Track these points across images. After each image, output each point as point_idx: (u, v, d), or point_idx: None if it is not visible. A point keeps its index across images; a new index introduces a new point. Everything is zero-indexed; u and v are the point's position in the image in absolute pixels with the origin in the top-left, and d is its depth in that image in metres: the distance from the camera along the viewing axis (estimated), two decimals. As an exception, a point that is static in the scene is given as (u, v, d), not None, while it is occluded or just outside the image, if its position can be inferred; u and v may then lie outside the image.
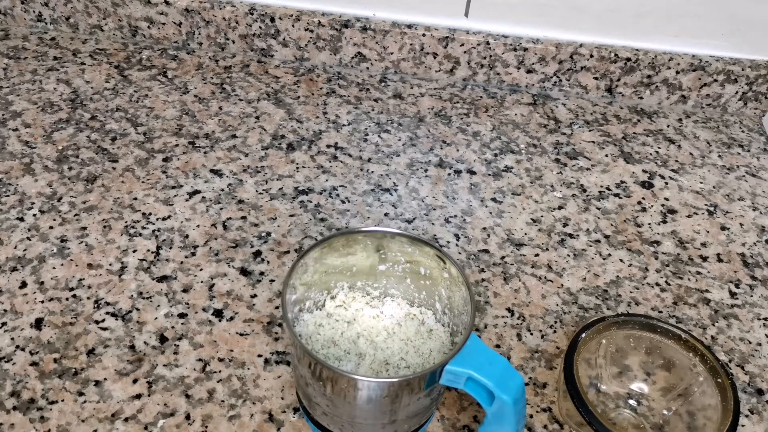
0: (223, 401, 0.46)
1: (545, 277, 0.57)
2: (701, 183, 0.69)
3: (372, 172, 0.66)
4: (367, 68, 0.81)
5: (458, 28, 0.77)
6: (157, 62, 0.80)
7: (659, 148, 0.73)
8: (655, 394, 0.47)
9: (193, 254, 0.57)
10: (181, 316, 0.52)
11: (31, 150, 0.66)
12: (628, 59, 0.75)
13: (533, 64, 0.77)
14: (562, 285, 0.57)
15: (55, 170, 0.64)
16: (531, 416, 0.47)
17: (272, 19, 0.78)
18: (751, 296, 0.57)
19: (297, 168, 0.66)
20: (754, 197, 0.67)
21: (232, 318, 0.52)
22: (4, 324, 0.50)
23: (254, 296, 0.54)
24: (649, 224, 0.63)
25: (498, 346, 0.51)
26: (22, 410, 0.45)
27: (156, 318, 0.51)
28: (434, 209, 0.63)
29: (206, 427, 0.45)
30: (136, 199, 0.61)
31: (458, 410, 0.47)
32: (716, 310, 0.56)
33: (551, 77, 0.78)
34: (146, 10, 0.80)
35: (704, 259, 0.60)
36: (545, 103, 0.78)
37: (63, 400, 0.46)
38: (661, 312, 0.55)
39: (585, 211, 0.64)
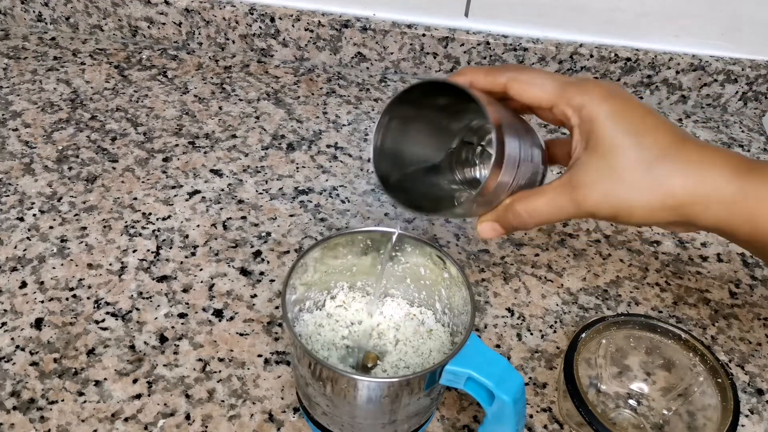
0: (223, 401, 0.46)
1: (545, 277, 0.57)
2: (701, 183, 0.69)
3: (372, 172, 0.66)
4: (367, 68, 0.81)
5: (458, 28, 0.77)
6: (157, 62, 0.80)
7: (659, 148, 0.73)
8: (655, 394, 0.47)
9: (193, 254, 0.57)
10: (181, 316, 0.52)
11: (31, 150, 0.66)
12: (628, 59, 0.75)
13: (533, 64, 0.77)
14: (562, 285, 0.57)
15: (55, 170, 0.64)
16: (531, 416, 0.47)
17: (272, 19, 0.78)
18: (751, 296, 0.57)
19: (297, 168, 0.66)
20: (754, 197, 0.67)
21: (232, 318, 0.52)
22: (4, 324, 0.50)
23: (254, 296, 0.54)
24: (649, 224, 0.63)
25: (498, 346, 0.51)
26: (22, 410, 0.45)
27: (156, 318, 0.51)
28: (434, 209, 0.63)
29: (206, 427, 0.45)
30: (136, 199, 0.61)
31: (458, 410, 0.47)
32: (716, 310, 0.56)
33: (551, 77, 0.78)
34: (146, 10, 0.80)
35: (704, 259, 0.60)
36: (545, 103, 0.78)
37: (63, 400, 0.46)
38: (661, 312, 0.55)
39: (585, 211, 0.64)
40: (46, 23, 0.83)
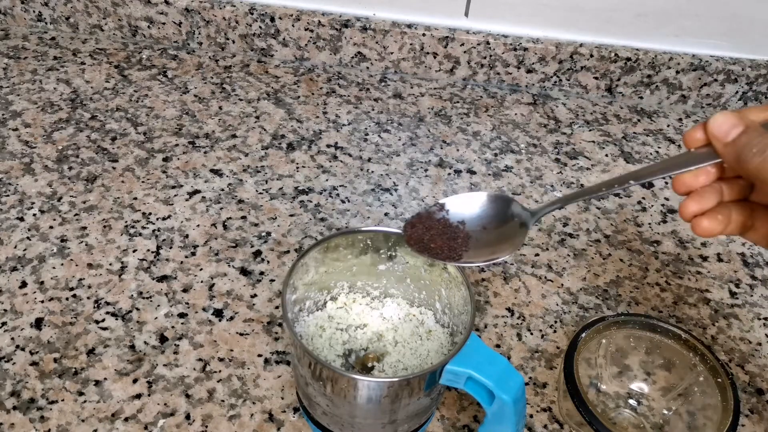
0: (223, 401, 0.46)
1: (545, 277, 0.57)
2: (701, 183, 0.69)
3: (372, 171, 0.66)
4: (367, 68, 0.81)
5: (458, 27, 0.77)
6: (157, 62, 0.80)
7: (659, 147, 0.73)
8: (655, 394, 0.47)
9: (193, 254, 0.57)
10: (181, 315, 0.52)
11: (31, 150, 0.66)
12: (628, 59, 0.75)
13: (533, 63, 0.77)
14: (562, 285, 0.57)
15: (55, 170, 0.64)
16: (531, 416, 0.47)
17: (272, 19, 0.78)
18: (751, 296, 0.57)
19: (297, 168, 0.66)
20: (754, 197, 0.67)
21: (232, 318, 0.52)
22: (4, 324, 0.50)
23: (254, 296, 0.54)
24: (649, 224, 0.63)
25: (498, 346, 0.51)
26: (22, 410, 0.45)
27: (156, 318, 0.51)
28: (434, 209, 0.63)
29: (206, 426, 0.45)
30: (136, 198, 0.61)
31: (458, 410, 0.47)
32: (716, 310, 0.56)
33: (551, 77, 0.78)
34: (146, 10, 0.80)
35: (704, 258, 0.60)
36: (545, 103, 0.78)
37: (63, 400, 0.46)
38: (661, 312, 0.55)
39: (585, 211, 0.64)
40: (46, 23, 0.83)
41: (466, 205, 0.41)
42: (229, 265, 0.56)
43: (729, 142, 0.33)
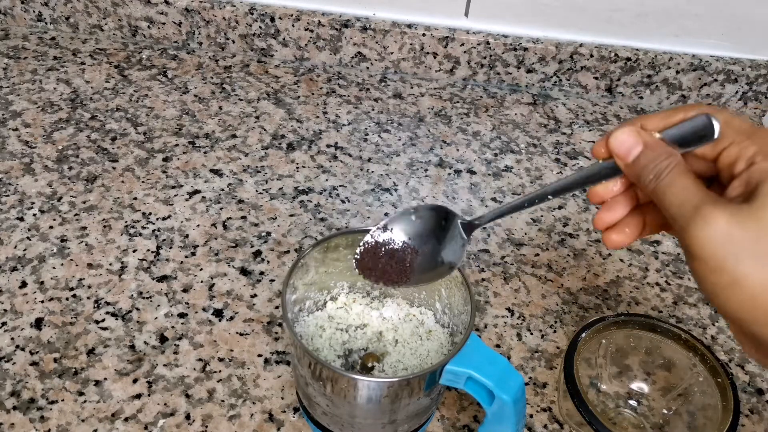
0: (223, 401, 0.46)
1: (545, 277, 0.57)
2: (701, 183, 0.69)
3: (372, 171, 0.66)
4: (367, 68, 0.81)
5: (458, 27, 0.77)
6: (157, 62, 0.80)
7: (659, 147, 0.73)
8: (655, 394, 0.47)
9: (193, 254, 0.57)
10: (181, 315, 0.52)
11: (31, 150, 0.66)
12: (628, 59, 0.75)
13: (533, 63, 0.77)
14: (562, 285, 0.57)
15: (55, 170, 0.64)
16: (531, 416, 0.47)
17: (272, 19, 0.78)
18: (751, 296, 0.57)
19: (297, 168, 0.66)
20: (754, 197, 0.67)
21: (232, 318, 0.52)
22: (4, 324, 0.50)
23: (254, 296, 0.54)
24: (649, 224, 0.63)
25: (498, 346, 0.51)
26: (22, 410, 0.45)
27: (156, 318, 0.51)
28: (434, 209, 0.63)
29: (206, 426, 0.45)
30: (136, 198, 0.61)
31: (458, 410, 0.47)
32: (716, 310, 0.56)
33: (551, 77, 0.78)
34: (146, 10, 0.80)
35: (704, 258, 0.60)
36: (545, 103, 0.78)
37: (63, 400, 0.46)
38: (661, 312, 0.55)
39: (585, 211, 0.64)
40: (46, 23, 0.83)
41: (408, 221, 0.41)
42: (229, 265, 0.56)
43: (630, 163, 0.32)
